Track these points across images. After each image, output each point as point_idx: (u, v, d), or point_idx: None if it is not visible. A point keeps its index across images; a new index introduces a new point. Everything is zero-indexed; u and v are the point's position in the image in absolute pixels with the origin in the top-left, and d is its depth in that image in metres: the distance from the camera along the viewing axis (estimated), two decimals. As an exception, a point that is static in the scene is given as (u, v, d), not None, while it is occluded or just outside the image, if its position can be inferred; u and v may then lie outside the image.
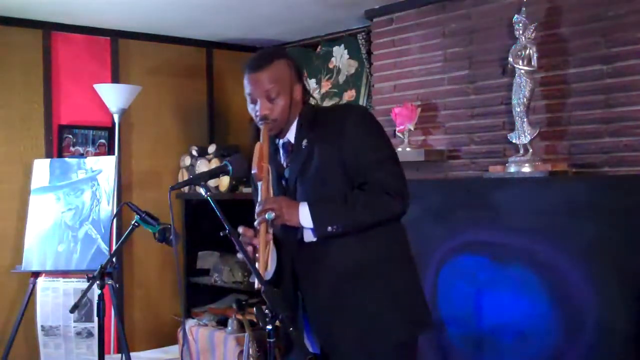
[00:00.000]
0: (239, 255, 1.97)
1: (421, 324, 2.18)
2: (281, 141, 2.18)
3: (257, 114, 2.08)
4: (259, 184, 2.06)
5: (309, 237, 2.06)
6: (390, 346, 2.07)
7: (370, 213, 2.01)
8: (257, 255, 1.97)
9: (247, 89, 2.10)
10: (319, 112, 2.18)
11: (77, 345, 3.83)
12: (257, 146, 2.04)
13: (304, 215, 2.01)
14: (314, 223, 2.00)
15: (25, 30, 4.39)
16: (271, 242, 2.04)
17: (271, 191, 2.07)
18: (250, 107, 2.12)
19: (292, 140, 2.14)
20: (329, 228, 2.00)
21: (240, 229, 2.02)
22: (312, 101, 2.22)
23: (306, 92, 2.18)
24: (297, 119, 2.14)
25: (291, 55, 2.21)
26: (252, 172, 2.02)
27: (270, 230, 2.02)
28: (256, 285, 1.90)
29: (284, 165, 2.17)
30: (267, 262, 1.99)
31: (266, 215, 1.98)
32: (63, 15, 4.32)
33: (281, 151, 2.18)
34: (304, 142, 2.10)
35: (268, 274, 2.07)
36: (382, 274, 2.07)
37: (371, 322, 2.05)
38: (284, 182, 2.16)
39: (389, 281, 2.08)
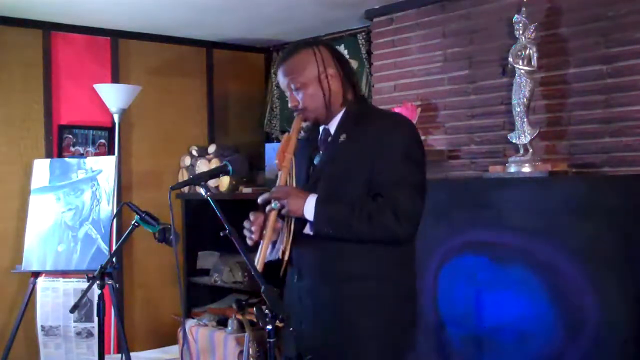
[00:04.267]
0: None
1: (407, 348, 2.10)
2: (323, 127, 2.17)
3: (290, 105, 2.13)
4: (279, 172, 2.07)
5: (307, 229, 2.04)
6: None
7: (369, 228, 1.95)
8: (261, 241, 1.99)
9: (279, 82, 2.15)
10: (368, 111, 2.13)
11: (77, 345, 3.83)
12: (285, 136, 2.08)
13: (309, 209, 1.99)
14: (315, 219, 1.98)
15: (25, 30, 4.39)
16: (283, 225, 2.05)
17: (288, 182, 2.07)
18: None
19: (332, 131, 2.12)
20: (326, 228, 1.98)
21: (252, 216, 2.04)
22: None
23: (349, 79, 2.12)
24: (343, 111, 2.12)
25: (327, 43, 2.17)
26: (275, 161, 2.06)
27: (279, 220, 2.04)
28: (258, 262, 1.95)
29: (319, 151, 2.15)
30: (282, 247, 2.03)
31: (272, 204, 2.00)
32: (63, 15, 4.32)
33: (320, 137, 2.18)
34: (342, 137, 2.07)
35: (274, 254, 2.09)
36: (380, 291, 2.03)
37: (360, 336, 2.01)
38: (311, 168, 2.15)
39: (386, 300, 2.03)
